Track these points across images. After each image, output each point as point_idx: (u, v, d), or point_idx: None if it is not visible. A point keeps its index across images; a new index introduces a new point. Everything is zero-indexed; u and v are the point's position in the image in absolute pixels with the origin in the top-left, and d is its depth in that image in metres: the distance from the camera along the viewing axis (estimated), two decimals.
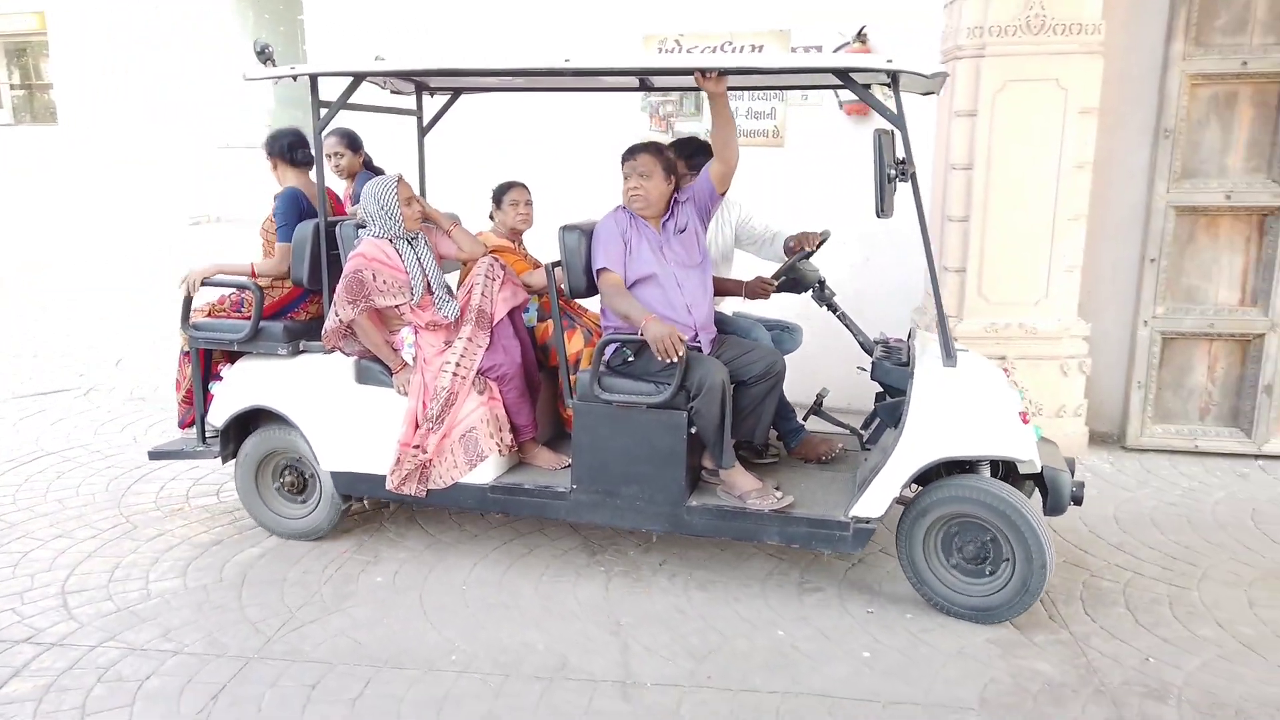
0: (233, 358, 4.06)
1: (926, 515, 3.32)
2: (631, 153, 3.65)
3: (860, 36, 5.47)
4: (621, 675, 3.02)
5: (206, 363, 4.08)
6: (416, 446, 3.68)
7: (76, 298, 9.11)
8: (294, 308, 4.08)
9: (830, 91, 5.40)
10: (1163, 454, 5.08)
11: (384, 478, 3.74)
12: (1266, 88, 4.86)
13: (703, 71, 3.34)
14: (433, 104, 4.60)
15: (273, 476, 4.05)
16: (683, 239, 3.66)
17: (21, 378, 6.48)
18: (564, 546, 3.96)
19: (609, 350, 3.58)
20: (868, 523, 3.30)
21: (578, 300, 4.04)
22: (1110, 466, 4.93)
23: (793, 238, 4.09)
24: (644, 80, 4.27)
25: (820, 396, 4.18)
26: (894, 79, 3.24)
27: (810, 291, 4.01)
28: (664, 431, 3.45)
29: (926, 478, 3.39)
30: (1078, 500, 3.35)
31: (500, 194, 4.24)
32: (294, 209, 3.98)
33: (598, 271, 3.61)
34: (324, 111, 3.71)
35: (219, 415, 4.01)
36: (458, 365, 3.67)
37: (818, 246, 3.99)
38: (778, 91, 5.66)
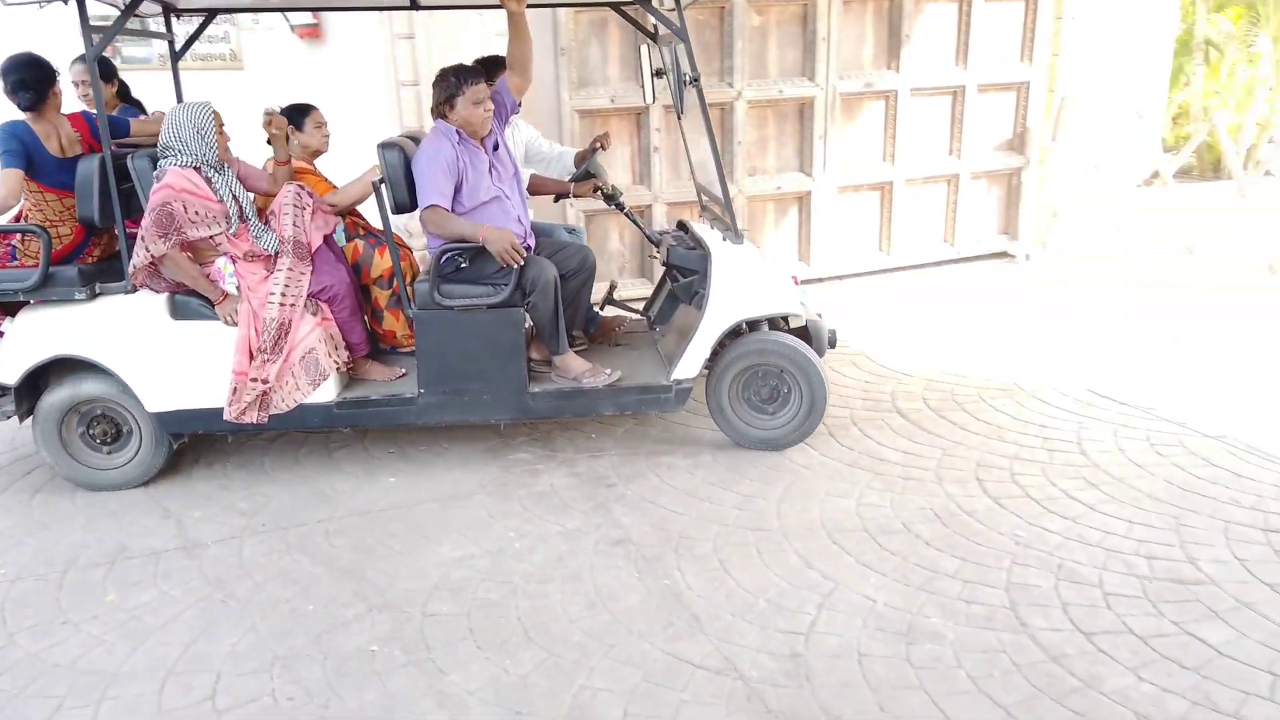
0: (8, 310, 3.78)
1: (731, 369, 3.97)
2: (477, 76, 3.77)
3: None
4: (182, 544, 3.44)
5: None
6: (254, 379, 3.64)
7: None
8: (80, 252, 3.85)
9: (282, 16, 5.78)
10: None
11: (217, 410, 3.70)
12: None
13: None
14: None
15: (79, 429, 3.80)
16: (498, 155, 3.88)
17: None
18: None
19: (445, 259, 3.79)
20: (683, 383, 3.93)
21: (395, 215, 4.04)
22: None
23: (580, 153, 4.46)
24: (415, 1, 4.29)
25: (612, 286, 4.70)
26: (678, 0, 3.77)
27: (598, 191, 4.41)
28: (504, 328, 3.79)
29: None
30: (833, 344, 4.15)
31: (301, 116, 4.14)
32: (13, 138, 3.65)
33: (427, 207, 3.73)
34: (96, 38, 3.49)
35: (9, 372, 3.70)
36: (283, 295, 3.68)
37: (600, 149, 4.44)
38: (230, 16, 5.86)
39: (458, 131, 3.82)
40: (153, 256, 3.58)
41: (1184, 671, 2.65)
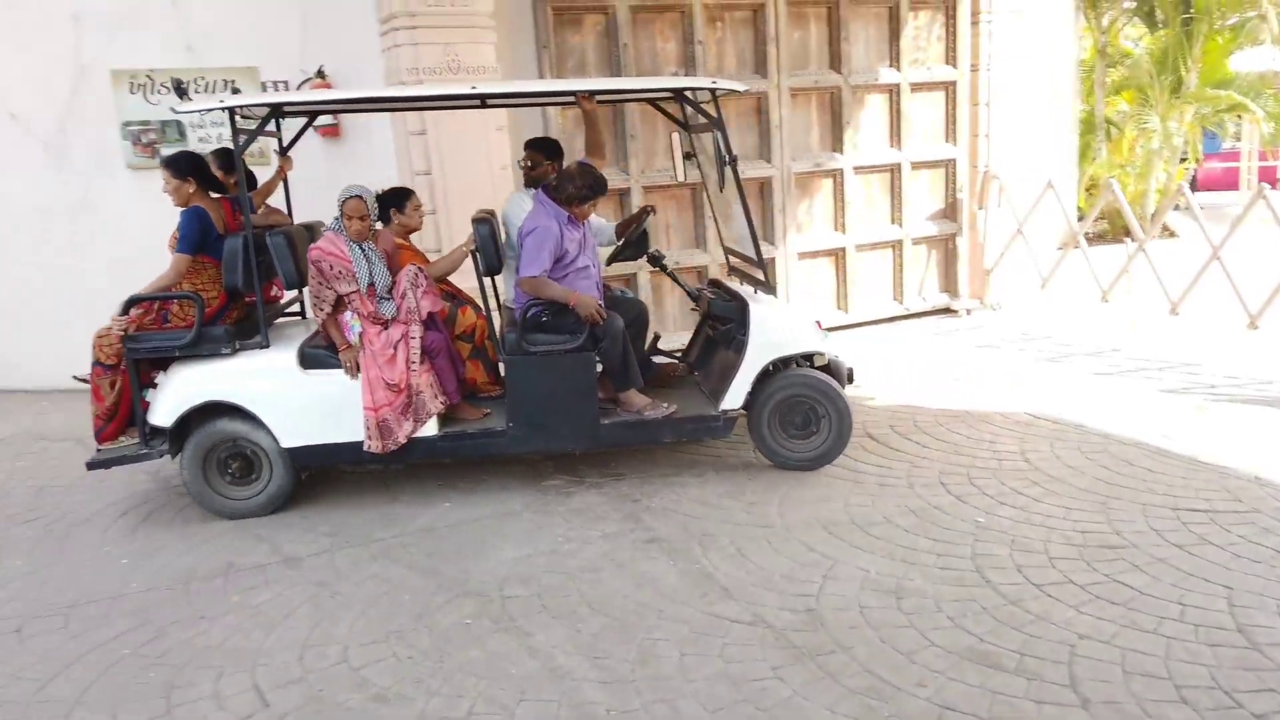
0: (158, 366, 4.44)
1: (769, 401, 4.65)
2: (604, 188, 4.61)
3: (320, 73, 6.68)
4: (278, 558, 4.02)
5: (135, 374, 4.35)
6: (384, 418, 4.33)
7: None
8: (222, 314, 4.56)
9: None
10: None
11: (340, 446, 4.39)
12: (602, 107, 7.21)
13: (583, 93, 4.59)
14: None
15: (217, 466, 4.40)
16: (587, 230, 4.65)
17: None
18: (177, 507, 4.66)
19: (531, 313, 4.56)
20: (730, 413, 4.62)
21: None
22: None
23: (622, 223, 5.20)
24: (484, 100, 5.09)
25: (656, 336, 5.39)
26: (714, 94, 4.59)
27: (645, 256, 5.10)
28: (580, 370, 4.48)
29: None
30: (851, 379, 4.87)
31: (402, 200, 4.95)
32: (195, 221, 4.45)
33: (529, 277, 4.46)
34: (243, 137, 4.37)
35: (165, 416, 4.29)
36: (413, 360, 4.39)
37: (649, 216, 5.12)
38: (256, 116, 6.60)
39: (569, 216, 4.62)
40: (319, 306, 4.38)
41: (1114, 606, 3.38)
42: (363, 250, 4.47)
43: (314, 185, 6.62)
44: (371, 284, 4.46)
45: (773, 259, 7.83)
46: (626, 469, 4.94)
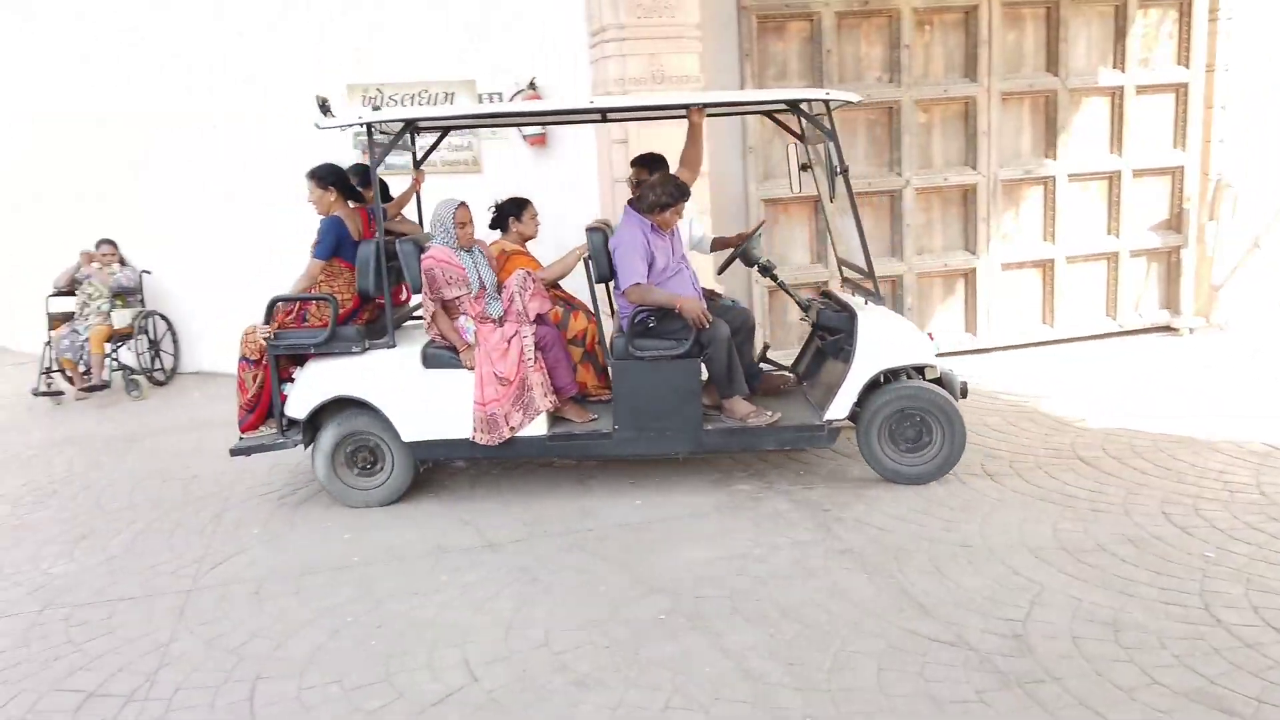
0: (296, 361, 4.75)
1: (879, 414, 4.55)
2: (688, 195, 4.69)
3: (532, 85, 7.00)
4: (482, 543, 4.24)
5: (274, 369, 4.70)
6: (491, 411, 4.52)
7: None
8: (354, 316, 4.86)
9: (516, 128, 6.89)
10: None
11: (455, 441, 4.57)
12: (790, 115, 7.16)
13: (695, 106, 4.74)
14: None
15: (345, 457, 4.68)
16: (675, 237, 4.81)
17: None
18: None
19: (638, 319, 4.63)
20: (834, 423, 4.59)
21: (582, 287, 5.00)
22: None
23: (721, 237, 5.38)
24: (605, 115, 5.34)
25: (765, 346, 5.54)
26: (827, 105, 4.66)
27: (755, 266, 5.17)
28: (685, 375, 4.55)
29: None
30: (964, 394, 4.70)
31: (520, 209, 5.24)
32: (331, 231, 4.79)
33: (631, 285, 4.54)
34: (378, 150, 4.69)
35: (300, 408, 4.61)
36: (526, 356, 4.55)
37: (758, 230, 5.27)
38: (473, 129, 7.01)
39: (652, 224, 4.66)
40: (431, 310, 4.58)
41: None
42: (470, 255, 4.69)
43: (524, 191, 6.98)
44: (482, 286, 4.67)
45: (973, 269, 7.52)
46: (816, 478, 4.87)
